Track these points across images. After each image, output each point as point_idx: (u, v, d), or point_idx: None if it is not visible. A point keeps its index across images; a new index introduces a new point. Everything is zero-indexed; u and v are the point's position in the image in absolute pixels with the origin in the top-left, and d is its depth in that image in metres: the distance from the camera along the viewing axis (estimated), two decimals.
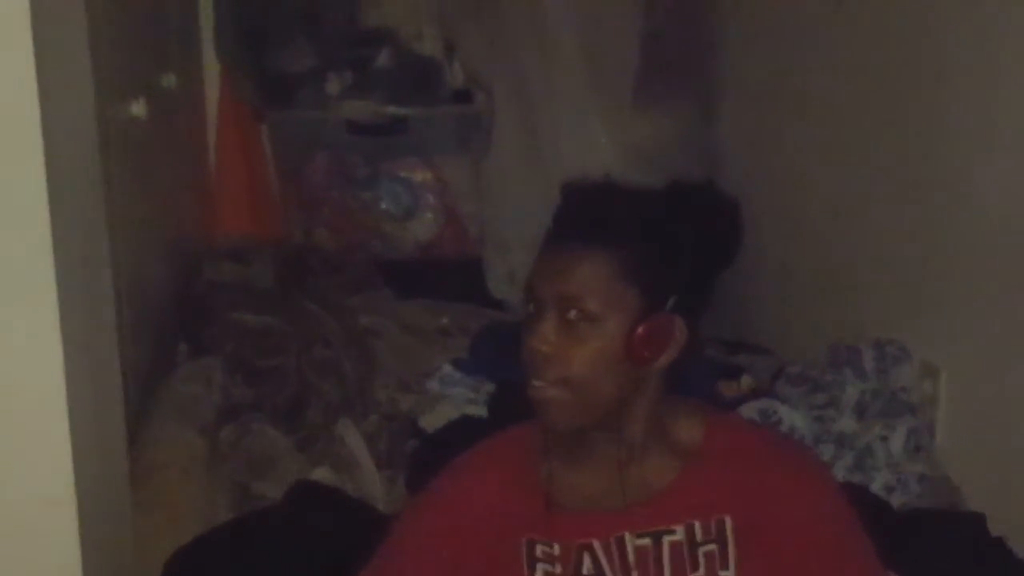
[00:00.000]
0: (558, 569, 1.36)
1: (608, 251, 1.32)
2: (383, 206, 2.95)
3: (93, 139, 1.44)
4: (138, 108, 1.97)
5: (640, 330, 1.32)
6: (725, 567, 1.36)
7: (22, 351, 1.21)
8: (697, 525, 1.37)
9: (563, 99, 2.83)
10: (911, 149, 2.03)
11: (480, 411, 2.13)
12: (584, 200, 1.40)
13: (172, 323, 2.25)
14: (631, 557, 1.37)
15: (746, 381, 2.20)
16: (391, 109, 2.88)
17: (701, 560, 1.36)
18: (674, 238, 1.38)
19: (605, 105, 2.83)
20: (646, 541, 1.37)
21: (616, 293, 1.32)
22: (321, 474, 1.89)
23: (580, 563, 1.37)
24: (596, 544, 1.38)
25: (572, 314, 1.31)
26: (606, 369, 1.32)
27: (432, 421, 2.12)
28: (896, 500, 1.86)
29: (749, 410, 1.97)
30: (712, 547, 1.37)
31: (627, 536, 1.37)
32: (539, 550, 1.39)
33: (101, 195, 1.46)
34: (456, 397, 2.21)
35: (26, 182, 1.15)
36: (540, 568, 1.37)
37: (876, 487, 1.86)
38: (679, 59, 2.90)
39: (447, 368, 2.26)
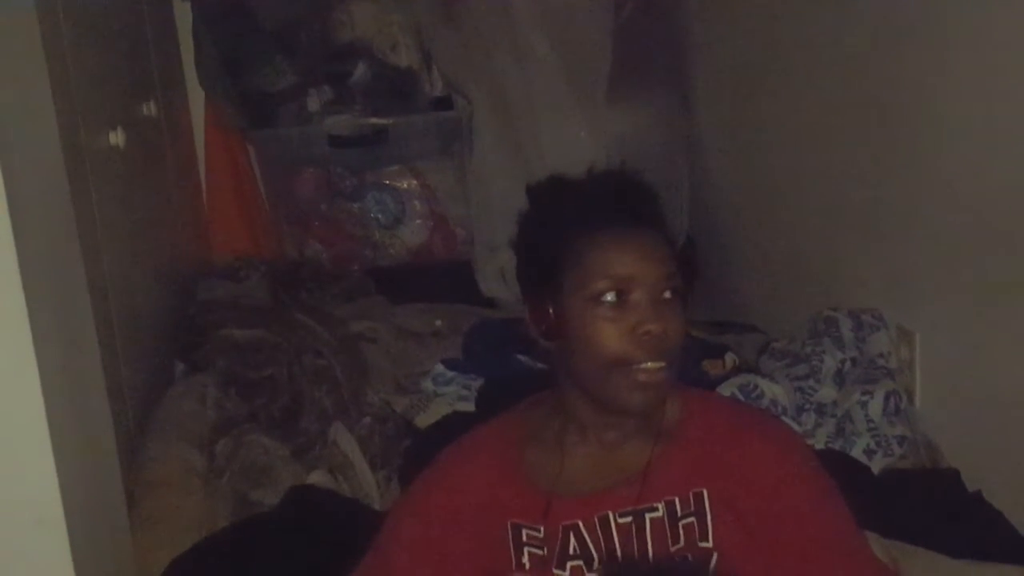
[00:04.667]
0: (544, 551, 1.40)
1: (664, 231, 1.39)
2: (372, 215, 2.99)
3: (60, 171, 1.48)
4: (116, 138, 2.01)
5: (689, 299, 1.38)
6: (705, 538, 1.40)
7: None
8: (677, 500, 1.41)
9: (540, 98, 2.87)
10: (877, 123, 2.07)
11: (472, 407, 2.18)
12: (623, 186, 1.43)
13: (168, 344, 2.30)
14: (615, 535, 1.41)
15: (730, 359, 2.23)
16: (372, 120, 2.93)
17: (681, 533, 1.39)
18: None
19: (582, 101, 2.87)
20: (628, 519, 1.41)
21: (677, 268, 1.38)
22: (316, 478, 1.93)
23: (567, 543, 1.41)
24: (581, 525, 1.41)
25: (668, 292, 1.35)
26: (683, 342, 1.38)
27: (426, 420, 2.16)
28: (878, 463, 1.89)
29: (730, 386, 2.00)
30: (691, 519, 1.40)
31: (611, 515, 1.41)
32: (525, 534, 1.43)
33: (73, 225, 1.51)
34: (449, 395, 2.25)
35: None
36: (527, 551, 1.41)
37: (857, 451, 1.89)
38: (652, 50, 2.94)
39: (439, 368, 2.31)
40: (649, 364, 1.34)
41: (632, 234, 1.36)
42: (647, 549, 1.39)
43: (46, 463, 1.29)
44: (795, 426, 1.93)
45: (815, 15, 2.26)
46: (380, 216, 3.00)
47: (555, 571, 1.39)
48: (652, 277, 1.34)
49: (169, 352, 2.28)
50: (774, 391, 1.99)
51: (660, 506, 1.41)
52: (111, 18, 2.23)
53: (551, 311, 1.38)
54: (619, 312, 1.34)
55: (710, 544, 1.39)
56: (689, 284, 1.41)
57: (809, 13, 2.28)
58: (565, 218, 1.40)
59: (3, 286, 1.22)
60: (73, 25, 1.80)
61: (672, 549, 1.37)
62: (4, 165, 1.20)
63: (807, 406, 2.00)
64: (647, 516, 1.41)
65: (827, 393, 2.01)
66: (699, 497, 1.41)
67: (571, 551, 1.39)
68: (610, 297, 1.34)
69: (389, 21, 2.92)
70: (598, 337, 1.35)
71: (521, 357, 2.21)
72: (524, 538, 1.43)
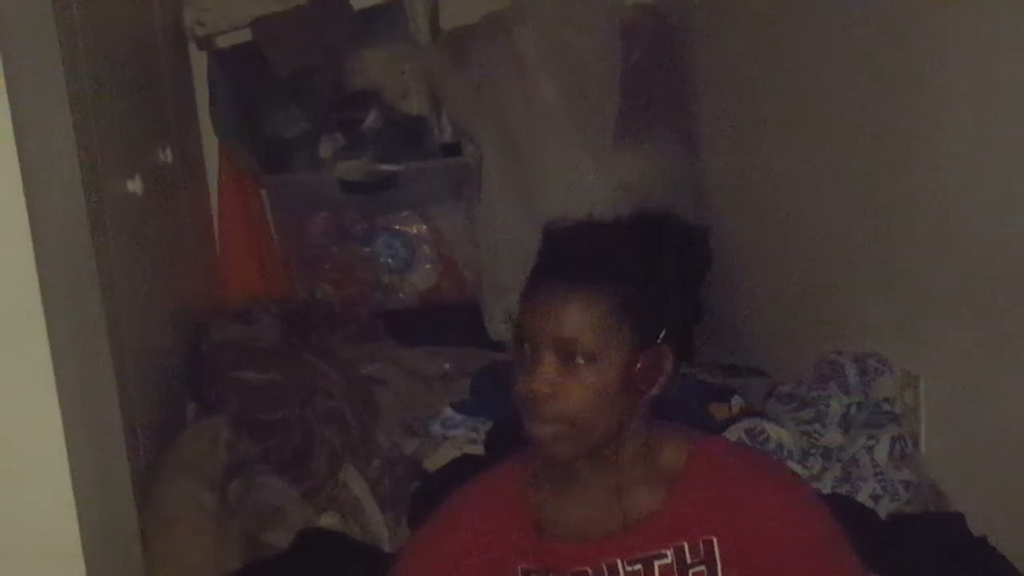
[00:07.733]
0: None
1: (600, 290, 1.35)
2: (382, 260, 3.02)
3: (82, 216, 1.52)
4: (134, 184, 2.05)
5: (638, 365, 1.36)
6: None
7: (21, 414, 1.28)
8: (686, 547, 1.41)
9: (548, 142, 2.90)
10: (883, 168, 2.08)
11: (480, 450, 2.19)
12: (569, 240, 1.42)
13: (181, 385, 2.33)
14: None
15: (736, 403, 2.24)
16: (383, 166, 2.96)
17: None
18: (659, 273, 1.40)
19: (590, 144, 2.90)
20: (638, 567, 1.41)
21: (611, 330, 1.35)
22: (327, 520, 1.95)
23: None
24: (589, 572, 1.42)
25: (570, 355, 1.34)
26: (604, 404, 1.36)
27: (435, 463, 2.18)
28: (884, 507, 1.90)
29: (736, 430, 2.02)
30: (701, 568, 1.40)
31: (619, 563, 1.41)
32: None
33: (93, 267, 1.54)
34: (458, 438, 2.27)
35: (15, 261, 1.23)
36: None
37: (863, 496, 1.90)
38: (659, 94, 2.98)
39: (448, 411, 2.33)
40: (534, 423, 1.37)
41: (549, 291, 1.36)
42: None
43: (65, 497, 1.31)
44: (801, 470, 1.94)
45: (823, 58, 2.29)
46: (390, 260, 3.03)
47: None
48: (549, 337, 1.35)
49: (182, 393, 2.30)
50: (780, 435, 2.01)
51: (669, 553, 1.41)
52: (130, 68, 2.28)
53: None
54: (529, 367, 1.36)
55: None
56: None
57: (817, 56, 2.31)
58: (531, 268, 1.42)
59: (28, 326, 1.26)
60: (94, 76, 1.85)
61: None
62: (31, 211, 1.24)
63: (813, 450, 2.01)
64: (656, 563, 1.41)
65: (833, 438, 2.02)
66: (709, 545, 1.41)
67: None
68: (525, 348, 1.37)
69: (400, 69, 2.96)
70: (515, 387, 1.38)
71: None
72: None
